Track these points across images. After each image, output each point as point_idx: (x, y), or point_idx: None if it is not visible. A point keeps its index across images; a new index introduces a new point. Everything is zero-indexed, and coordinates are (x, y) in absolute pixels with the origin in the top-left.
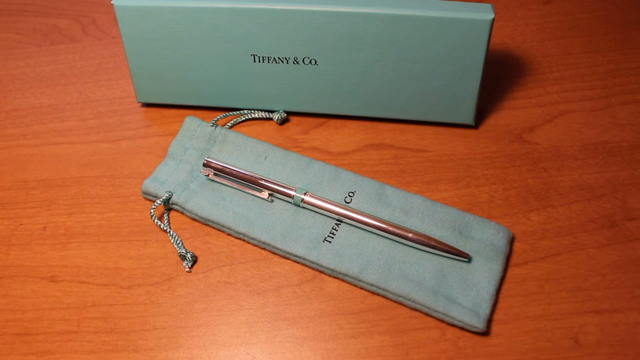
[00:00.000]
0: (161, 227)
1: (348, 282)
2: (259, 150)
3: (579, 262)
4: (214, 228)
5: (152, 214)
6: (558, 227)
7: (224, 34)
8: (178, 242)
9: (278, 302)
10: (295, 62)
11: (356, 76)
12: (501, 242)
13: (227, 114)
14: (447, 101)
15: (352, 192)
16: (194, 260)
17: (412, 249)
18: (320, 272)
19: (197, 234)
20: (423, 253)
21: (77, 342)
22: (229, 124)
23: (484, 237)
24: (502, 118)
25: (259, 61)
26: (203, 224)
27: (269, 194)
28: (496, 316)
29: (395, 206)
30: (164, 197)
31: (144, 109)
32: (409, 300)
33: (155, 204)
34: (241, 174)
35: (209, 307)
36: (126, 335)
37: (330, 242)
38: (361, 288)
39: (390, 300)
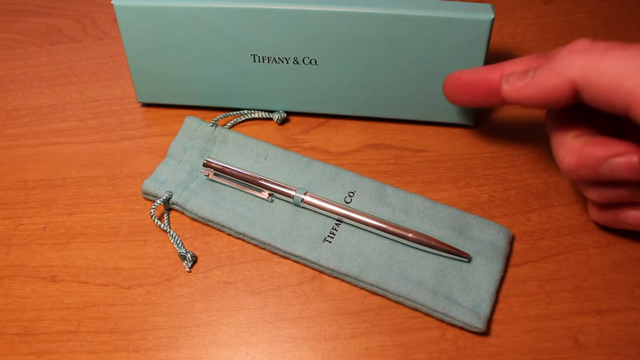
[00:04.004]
0: (161, 227)
1: (348, 282)
2: (259, 150)
3: (579, 262)
4: (214, 228)
5: (152, 214)
6: (558, 227)
7: (224, 34)
8: (178, 242)
9: (278, 302)
10: (295, 62)
11: (356, 76)
12: (501, 242)
13: (227, 114)
14: (447, 101)
15: (352, 192)
16: (194, 260)
17: (412, 249)
18: (320, 272)
19: (197, 234)
20: (423, 253)
21: (77, 342)
22: (229, 124)
23: (484, 237)
24: (502, 118)
25: (259, 61)
26: (203, 224)
27: (269, 194)
28: (496, 316)
29: (395, 206)
30: (164, 197)
31: (144, 109)
32: (409, 300)
33: (155, 204)
34: (241, 174)
35: (209, 307)
36: (126, 335)
37: (330, 242)
38: (361, 288)
39: (390, 300)
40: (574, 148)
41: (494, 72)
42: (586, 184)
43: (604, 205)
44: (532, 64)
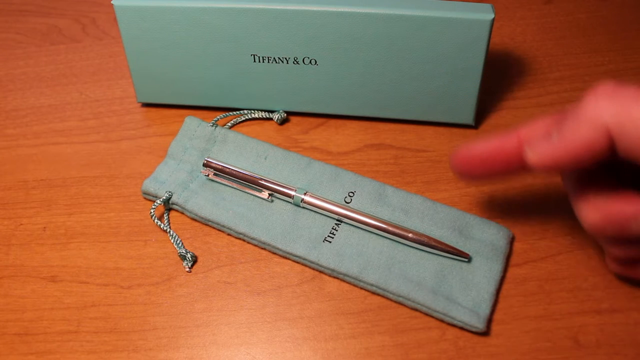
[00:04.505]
0: (161, 227)
1: (348, 282)
2: (259, 150)
3: (579, 262)
4: (214, 228)
5: (152, 214)
6: (558, 227)
7: (224, 34)
8: (178, 242)
9: (278, 302)
10: (295, 62)
11: (356, 76)
12: (501, 242)
13: (227, 114)
14: (447, 101)
15: (352, 192)
16: (194, 260)
17: (412, 249)
18: (320, 272)
19: (197, 234)
20: (423, 253)
21: (77, 342)
22: (229, 124)
23: (484, 237)
24: (502, 118)
25: (259, 61)
26: (203, 224)
27: (269, 194)
28: (496, 316)
29: (395, 206)
30: (164, 197)
31: (144, 109)
32: (409, 300)
33: (155, 204)
34: (241, 174)
35: (209, 307)
36: (126, 335)
37: (330, 242)
38: (361, 288)
39: (390, 300)
40: (598, 204)
41: (510, 140)
42: (609, 240)
43: (627, 260)
44: (551, 125)
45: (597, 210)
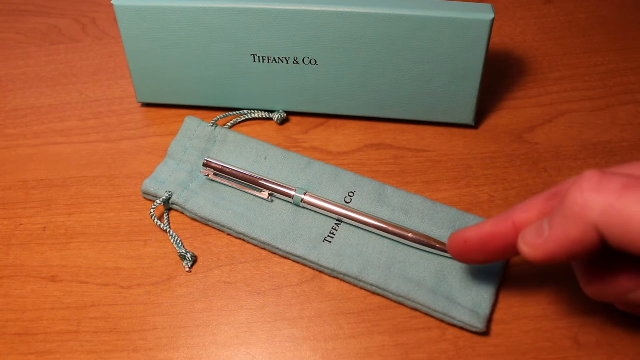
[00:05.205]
0: (161, 227)
1: (348, 282)
2: (259, 150)
3: None
4: (214, 228)
5: (152, 214)
6: None
7: (224, 34)
8: (178, 242)
9: (278, 302)
10: (295, 62)
11: (356, 76)
12: None
13: (227, 114)
14: (447, 101)
15: (352, 192)
16: (194, 260)
17: (412, 249)
18: (320, 272)
19: (197, 234)
20: (423, 253)
21: (77, 342)
22: (229, 124)
23: None
24: (502, 118)
25: (259, 61)
26: (203, 224)
27: (269, 194)
28: (496, 316)
29: (395, 206)
30: (164, 197)
31: (144, 109)
32: (409, 300)
33: (155, 204)
34: (241, 174)
35: (209, 307)
36: (126, 335)
37: (330, 242)
38: (361, 288)
39: (390, 300)
40: (593, 280)
41: (505, 224)
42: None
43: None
44: (545, 207)
45: (593, 285)
